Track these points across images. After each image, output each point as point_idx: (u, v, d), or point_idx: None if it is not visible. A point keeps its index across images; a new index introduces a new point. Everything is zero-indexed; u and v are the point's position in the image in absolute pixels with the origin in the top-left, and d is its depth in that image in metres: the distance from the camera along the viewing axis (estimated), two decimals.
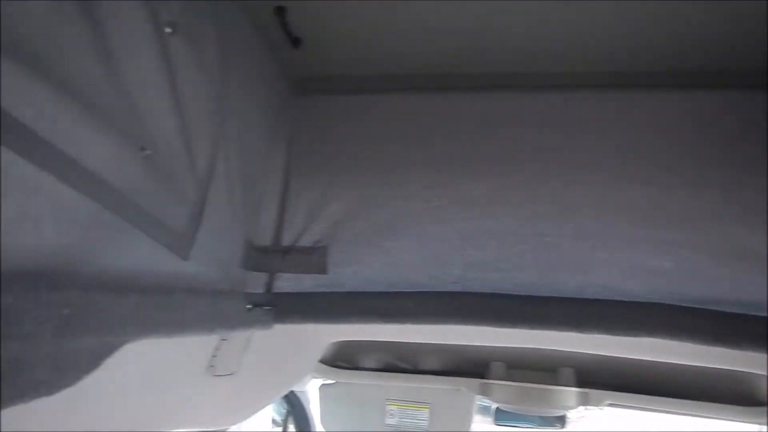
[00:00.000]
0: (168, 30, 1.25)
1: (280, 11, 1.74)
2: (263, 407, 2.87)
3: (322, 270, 1.92)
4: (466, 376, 3.03)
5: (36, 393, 0.87)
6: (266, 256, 1.94)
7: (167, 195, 1.31)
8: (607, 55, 1.88)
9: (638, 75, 1.95)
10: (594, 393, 2.86)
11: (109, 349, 1.07)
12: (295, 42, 1.87)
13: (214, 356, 1.75)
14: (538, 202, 1.88)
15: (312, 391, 3.70)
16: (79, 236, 1.02)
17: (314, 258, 1.94)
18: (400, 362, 3.14)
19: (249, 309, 1.76)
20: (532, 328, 1.79)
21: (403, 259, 1.90)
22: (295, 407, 3.74)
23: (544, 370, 2.95)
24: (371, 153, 2.03)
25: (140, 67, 1.17)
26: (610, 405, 2.91)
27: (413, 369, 3.14)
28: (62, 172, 0.92)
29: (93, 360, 1.01)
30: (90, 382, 1.03)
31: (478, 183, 1.93)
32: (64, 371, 0.94)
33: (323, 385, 3.25)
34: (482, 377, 2.99)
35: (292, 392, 3.62)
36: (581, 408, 2.98)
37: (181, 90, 1.32)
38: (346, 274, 1.92)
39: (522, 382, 2.94)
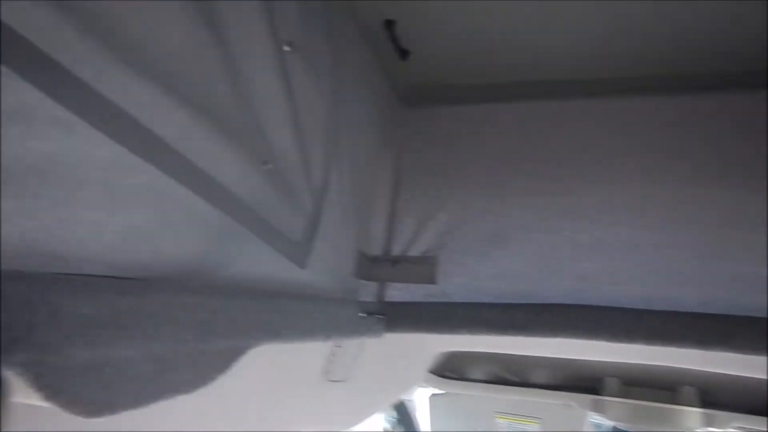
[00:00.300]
0: (287, 48, 1.31)
1: (389, 25, 1.79)
2: (374, 414, 2.91)
3: (432, 280, 1.94)
4: (579, 392, 2.93)
5: (178, 391, 0.94)
6: (377, 266, 1.98)
7: (286, 207, 1.38)
8: (694, 56, 1.82)
9: (732, 75, 1.87)
10: (720, 414, 2.67)
11: (237, 353, 1.13)
12: (403, 54, 1.91)
13: (329, 362, 1.80)
14: (655, 210, 1.80)
15: (419, 400, 3.70)
16: (211, 246, 1.09)
17: (423, 268, 1.96)
18: (510, 375, 3.09)
19: (362, 317, 1.80)
20: (649, 343, 1.70)
21: (513, 269, 1.88)
22: (403, 416, 3.75)
23: (662, 387, 2.79)
24: (479, 162, 2.03)
25: (262, 85, 1.24)
26: (738, 428, 2.71)
27: (523, 382, 3.07)
28: (198, 186, 0.99)
29: (225, 362, 1.08)
30: (219, 383, 1.10)
31: (590, 192, 1.88)
32: (201, 371, 1.01)
33: (433, 395, 3.25)
34: (595, 393, 2.88)
35: (401, 401, 3.65)
36: (704, 430, 2.79)
37: (298, 105, 1.39)
38: (455, 284, 1.92)
39: (639, 399, 2.80)
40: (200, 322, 0.98)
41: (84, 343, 0.76)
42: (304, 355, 1.67)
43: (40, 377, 0.70)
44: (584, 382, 2.93)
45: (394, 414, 3.82)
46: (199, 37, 0.99)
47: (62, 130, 0.73)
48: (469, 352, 2.93)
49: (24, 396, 0.70)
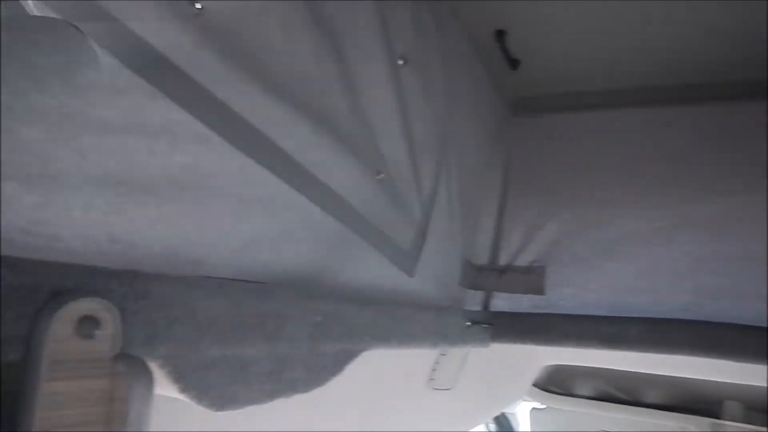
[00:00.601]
0: (400, 62, 1.35)
1: (500, 35, 1.79)
2: (476, 425, 2.90)
3: (539, 290, 1.90)
4: (695, 414, 2.77)
5: (295, 390, 0.99)
6: (483, 275, 1.97)
7: (397, 215, 1.41)
8: None
9: None
10: None
11: (349, 356, 1.17)
12: (514, 64, 1.90)
13: (434, 370, 1.82)
14: None
15: (521, 414, 3.64)
16: (326, 252, 1.14)
17: (531, 278, 1.93)
18: (618, 392, 2.97)
19: (468, 326, 1.80)
20: None
21: (626, 282, 1.81)
22: (504, 428, 3.71)
23: None
24: (590, 171, 1.98)
25: (377, 98, 1.28)
26: None
27: (632, 401, 2.94)
28: (316, 196, 1.04)
29: (338, 364, 1.12)
30: (331, 385, 1.14)
31: (710, 202, 1.78)
32: (316, 372, 1.05)
33: (534, 409, 3.19)
34: (714, 417, 2.71)
35: (502, 413, 3.60)
36: None
37: (410, 116, 1.42)
38: (564, 295, 1.88)
39: (763, 426, 2.62)
40: (315, 324, 1.02)
41: (215, 340, 0.83)
42: (410, 362, 1.70)
43: (177, 370, 0.77)
44: (701, 404, 2.77)
45: (495, 426, 3.78)
46: (321, 54, 1.04)
47: (200, 144, 0.79)
48: (576, 366, 2.85)
49: (159, 388, 0.77)
